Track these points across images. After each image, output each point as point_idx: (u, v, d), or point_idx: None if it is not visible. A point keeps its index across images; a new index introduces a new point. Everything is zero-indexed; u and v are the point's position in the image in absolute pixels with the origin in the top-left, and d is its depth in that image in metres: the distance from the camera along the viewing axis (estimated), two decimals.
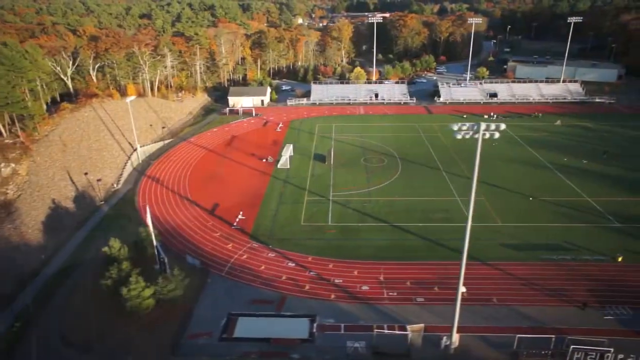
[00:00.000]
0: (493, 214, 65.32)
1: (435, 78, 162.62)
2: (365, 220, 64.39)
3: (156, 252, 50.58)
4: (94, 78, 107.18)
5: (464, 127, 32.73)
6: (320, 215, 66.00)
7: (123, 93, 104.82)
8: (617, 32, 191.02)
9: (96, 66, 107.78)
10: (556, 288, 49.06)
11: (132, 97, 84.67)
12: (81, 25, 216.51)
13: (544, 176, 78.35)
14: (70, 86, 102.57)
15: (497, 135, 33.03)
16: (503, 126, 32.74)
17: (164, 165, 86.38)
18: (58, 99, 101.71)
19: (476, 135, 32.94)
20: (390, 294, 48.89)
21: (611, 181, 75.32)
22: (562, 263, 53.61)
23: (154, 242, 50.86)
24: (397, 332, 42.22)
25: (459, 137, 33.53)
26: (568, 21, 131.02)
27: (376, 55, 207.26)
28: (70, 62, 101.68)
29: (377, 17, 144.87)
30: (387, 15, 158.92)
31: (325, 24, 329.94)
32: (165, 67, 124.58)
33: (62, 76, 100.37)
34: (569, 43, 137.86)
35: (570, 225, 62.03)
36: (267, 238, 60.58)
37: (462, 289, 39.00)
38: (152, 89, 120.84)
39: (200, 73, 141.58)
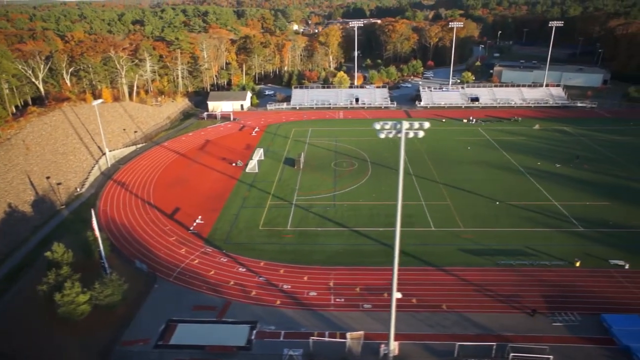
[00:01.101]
0: (456, 219, 64.06)
1: (420, 83, 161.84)
2: (325, 225, 63.18)
3: (102, 257, 49.51)
4: (67, 82, 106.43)
5: (387, 126, 31.63)
6: (280, 220, 64.82)
7: (98, 97, 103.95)
8: (606, 38, 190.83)
9: (70, 70, 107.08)
10: (510, 294, 47.72)
11: (100, 101, 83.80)
12: (71, 30, 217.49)
13: (515, 180, 77.14)
14: (42, 90, 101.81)
15: (421, 134, 31.88)
16: (427, 124, 31.60)
17: (133, 169, 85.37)
18: (30, 102, 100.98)
19: (399, 135, 31.81)
20: (338, 300, 47.60)
21: (581, 185, 74.15)
22: (520, 268, 52.30)
23: (100, 247, 49.71)
24: (335, 339, 40.84)
25: (382, 136, 32.39)
26: (549, 25, 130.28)
27: (365, 60, 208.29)
28: (42, 66, 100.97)
29: (358, 22, 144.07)
30: (364, 21, 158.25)
31: (320, 30, 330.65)
32: (146, 72, 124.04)
33: (33, 80, 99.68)
34: (550, 48, 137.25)
35: (534, 230, 60.76)
36: (223, 242, 59.39)
37: (397, 294, 37.66)
38: (130, 94, 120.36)
39: (182, 78, 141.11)
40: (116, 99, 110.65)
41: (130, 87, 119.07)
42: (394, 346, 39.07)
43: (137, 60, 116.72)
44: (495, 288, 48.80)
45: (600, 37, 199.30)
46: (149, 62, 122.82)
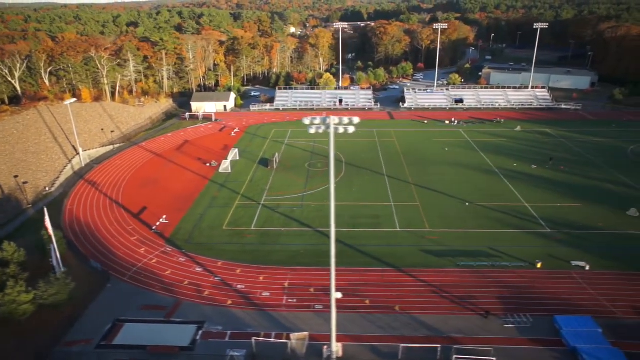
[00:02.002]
0: (423, 220, 63.25)
1: (408, 84, 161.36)
2: (289, 225, 62.46)
3: (52, 256, 48.90)
4: (46, 81, 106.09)
5: (316, 121, 30.99)
6: (245, 220, 64.14)
7: (78, 97, 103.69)
8: (597, 41, 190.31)
9: (48, 69, 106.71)
10: (466, 296, 46.88)
11: (72, 100, 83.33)
12: (63, 31, 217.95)
13: (489, 181, 76.31)
14: (19, 89, 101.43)
15: (351, 129, 31.20)
16: (357, 120, 30.99)
17: (106, 169, 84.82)
18: (7, 102, 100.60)
19: (328, 130, 31.15)
20: (290, 300, 46.83)
21: (555, 187, 73.35)
22: (480, 270, 51.46)
23: (54, 245, 49.10)
24: (280, 340, 40.07)
25: (312, 131, 31.75)
26: (534, 27, 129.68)
27: (357, 62, 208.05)
28: (19, 65, 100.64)
29: (343, 24, 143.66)
30: (345, 25, 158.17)
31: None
32: (129, 72, 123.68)
33: (10, 79, 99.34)
34: (536, 50, 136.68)
35: (501, 231, 59.91)
36: (184, 242, 58.70)
37: (337, 295, 37.01)
38: (113, 94, 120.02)
39: (169, 79, 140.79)
40: (97, 99, 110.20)
41: (114, 88, 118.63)
42: (336, 347, 38.28)
43: (119, 61, 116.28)
44: (452, 289, 47.97)
45: (592, 40, 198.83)
46: (132, 63, 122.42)
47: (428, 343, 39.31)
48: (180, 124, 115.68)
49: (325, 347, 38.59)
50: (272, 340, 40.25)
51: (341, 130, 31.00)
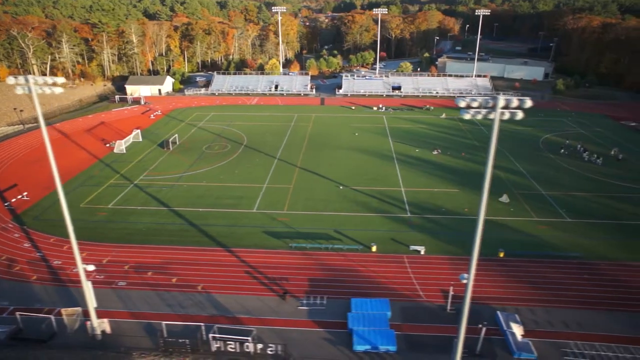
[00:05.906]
0: (285, 202, 61.56)
1: (363, 72, 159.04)
2: (148, 204, 61.04)
3: None
4: None
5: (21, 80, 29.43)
6: (107, 199, 62.78)
7: None
8: (563, 33, 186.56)
9: None
10: (278, 277, 45.21)
11: None
12: (28, 14, 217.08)
13: (379, 167, 74.32)
14: None
15: (58, 90, 29.49)
16: (61, 80, 29.28)
17: (3, 147, 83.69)
18: None
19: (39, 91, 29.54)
20: (97, 277, 45.46)
21: (441, 173, 71.47)
22: (310, 252, 49.71)
23: None
24: (45, 315, 38.75)
25: (19, 91, 30.08)
26: (476, 14, 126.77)
27: (322, 51, 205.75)
28: None
29: (281, 9, 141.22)
30: (284, 9, 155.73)
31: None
32: (63, 53, 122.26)
33: None
34: (478, 38, 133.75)
35: (358, 215, 58.08)
36: (32, 219, 57.44)
37: (88, 267, 35.76)
38: (44, 74, 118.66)
39: (113, 62, 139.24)
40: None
41: (54, 68, 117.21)
42: (101, 323, 37.04)
43: (45, 40, 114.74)
44: (269, 271, 46.34)
45: (560, 33, 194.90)
46: (66, 45, 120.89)
47: (207, 322, 37.84)
48: (108, 106, 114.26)
49: (88, 322, 37.25)
50: (40, 315, 38.87)
51: (48, 91, 29.32)
